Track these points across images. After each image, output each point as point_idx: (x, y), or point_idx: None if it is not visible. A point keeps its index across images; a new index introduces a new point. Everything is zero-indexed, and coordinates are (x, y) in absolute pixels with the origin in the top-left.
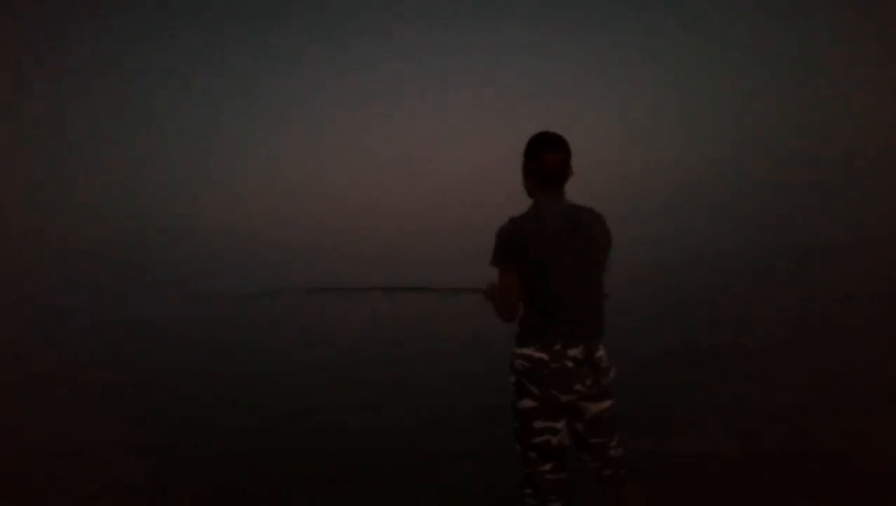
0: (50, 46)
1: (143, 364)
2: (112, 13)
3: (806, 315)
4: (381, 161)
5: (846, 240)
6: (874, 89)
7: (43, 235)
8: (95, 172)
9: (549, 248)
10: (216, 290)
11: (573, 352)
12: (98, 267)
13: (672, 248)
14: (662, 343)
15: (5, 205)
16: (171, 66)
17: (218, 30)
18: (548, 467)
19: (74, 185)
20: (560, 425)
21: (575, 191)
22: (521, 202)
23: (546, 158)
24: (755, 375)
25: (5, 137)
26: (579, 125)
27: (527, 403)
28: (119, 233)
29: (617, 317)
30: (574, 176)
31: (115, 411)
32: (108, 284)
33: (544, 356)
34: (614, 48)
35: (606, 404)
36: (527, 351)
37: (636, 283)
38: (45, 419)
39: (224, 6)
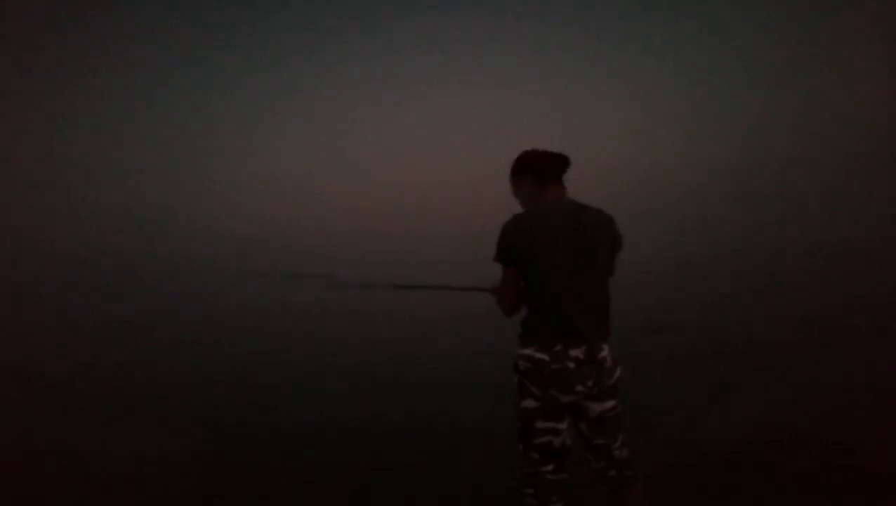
0: (45, 44)
1: (144, 365)
2: (104, 11)
3: (806, 315)
4: (385, 158)
5: (848, 240)
6: (879, 88)
7: (37, 234)
8: (89, 170)
9: (552, 247)
10: (215, 289)
11: (574, 352)
12: (94, 266)
13: (673, 248)
14: (662, 343)
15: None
16: (168, 62)
17: (213, 26)
18: (549, 467)
19: (67, 182)
20: (562, 425)
21: (578, 189)
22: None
23: (542, 157)
24: (755, 374)
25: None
26: (582, 124)
27: (529, 403)
28: (115, 231)
29: (618, 317)
30: (576, 176)
31: (121, 415)
32: (107, 283)
33: (545, 357)
34: (619, 46)
35: (610, 404)
36: (528, 351)
37: (636, 282)
38: (53, 423)
39: (219, 2)
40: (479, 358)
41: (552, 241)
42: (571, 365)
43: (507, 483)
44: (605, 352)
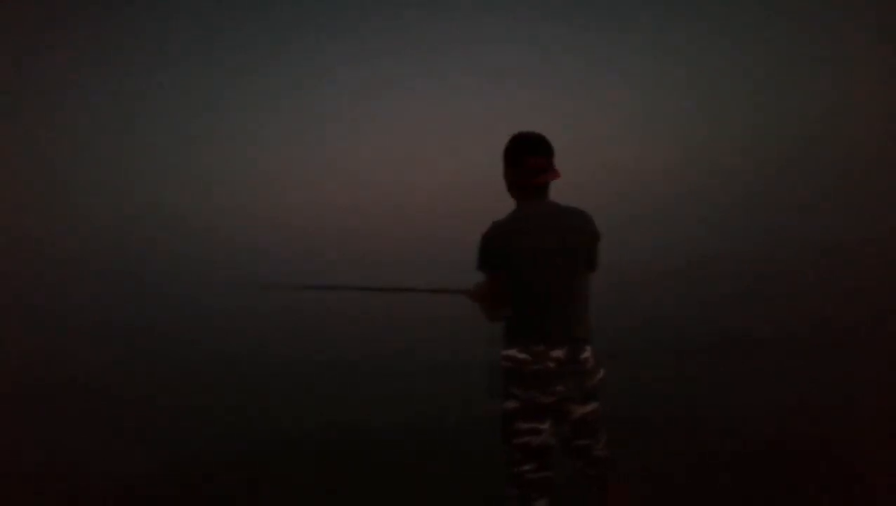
0: (43, 42)
1: (144, 365)
2: (105, 11)
3: (807, 315)
4: (383, 158)
5: (848, 239)
6: (879, 88)
7: (37, 235)
8: (90, 169)
9: (533, 250)
10: (206, 290)
11: (556, 353)
12: (93, 268)
13: (673, 249)
14: (660, 344)
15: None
16: (170, 61)
17: (212, 23)
18: (530, 466)
19: (65, 182)
20: (544, 426)
21: (581, 189)
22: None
23: (530, 164)
24: (756, 374)
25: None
26: (582, 123)
27: (510, 403)
28: (114, 231)
29: (619, 317)
30: (578, 176)
31: (125, 418)
32: (107, 286)
33: (527, 357)
34: (619, 47)
35: (591, 406)
36: (510, 352)
37: (637, 282)
38: (56, 427)
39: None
40: (468, 359)
41: (535, 244)
42: (551, 365)
43: (498, 483)
44: (586, 353)
